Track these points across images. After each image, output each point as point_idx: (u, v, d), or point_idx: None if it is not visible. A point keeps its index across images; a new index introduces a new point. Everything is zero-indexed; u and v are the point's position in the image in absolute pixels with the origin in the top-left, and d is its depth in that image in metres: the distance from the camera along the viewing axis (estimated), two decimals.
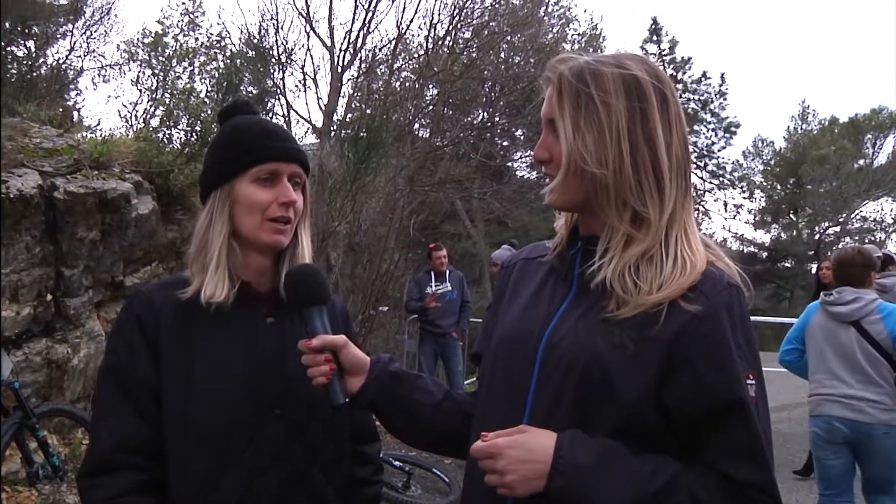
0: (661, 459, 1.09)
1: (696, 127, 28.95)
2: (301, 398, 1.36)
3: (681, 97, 30.61)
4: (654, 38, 29.32)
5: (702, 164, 29.53)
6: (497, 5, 12.41)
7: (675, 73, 29.09)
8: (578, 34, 18.17)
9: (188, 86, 6.76)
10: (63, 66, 12.15)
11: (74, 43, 12.19)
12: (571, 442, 1.09)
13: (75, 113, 9.58)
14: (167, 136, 6.24)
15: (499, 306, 1.35)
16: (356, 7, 12.08)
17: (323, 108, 12.57)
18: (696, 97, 29.18)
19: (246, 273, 1.42)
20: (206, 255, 1.38)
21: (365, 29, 12.17)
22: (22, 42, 11.84)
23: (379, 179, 9.66)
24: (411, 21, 12.26)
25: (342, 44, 12.39)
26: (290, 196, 1.38)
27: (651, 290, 1.10)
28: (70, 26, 12.37)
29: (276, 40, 12.15)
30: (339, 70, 12.23)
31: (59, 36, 12.35)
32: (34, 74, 11.05)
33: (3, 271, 4.43)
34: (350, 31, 12.26)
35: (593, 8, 41.18)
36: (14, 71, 11.55)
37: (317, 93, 12.91)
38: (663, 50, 29.19)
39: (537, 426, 1.13)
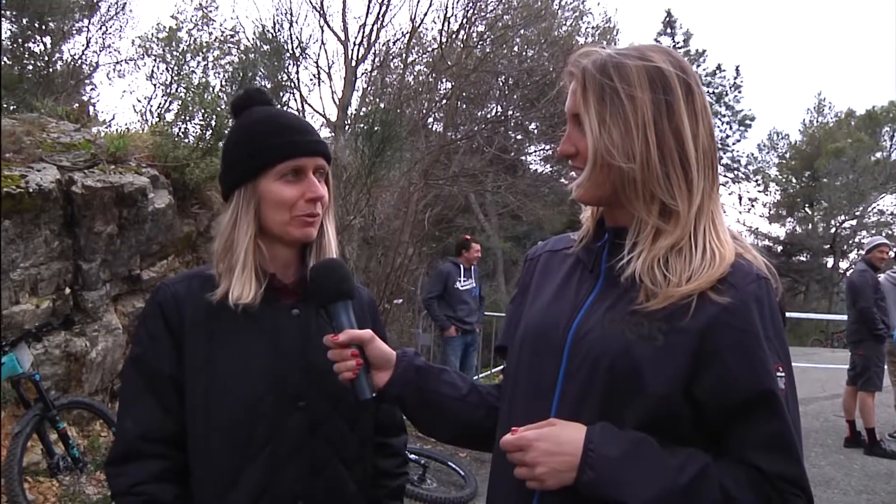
0: (691, 452, 1.08)
1: None
2: (325, 391, 1.35)
3: None
4: (669, 30, 29.18)
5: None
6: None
7: None
8: (592, 27, 18.07)
9: (203, 80, 6.77)
10: (79, 62, 12.21)
11: (90, 38, 12.24)
12: (601, 434, 1.08)
13: (91, 108, 9.64)
14: (182, 130, 6.26)
15: (524, 299, 1.34)
16: (370, 1, 12.09)
17: (337, 101, 12.59)
18: (711, 90, 29.01)
19: (272, 265, 1.41)
20: (232, 255, 1.37)
21: (379, 23, 12.18)
22: (39, 38, 11.93)
23: (393, 173, 9.66)
24: (425, 15, 12.25)
25: (356, 37, 12.41)
26: (318, 191, 1.38)
27: (680, 281, 1.09)
28: (86, 22, 12.43)
29: (291, 34, 12.16)
30: (353, 64, 12.24)
31: (74, 32, 12.43)
32: (50, 70, 11.13)
33: (22, 265, 4.47)
34: (364, 24, 12.27)
35: (607, 1, 40.96)
36: (31, 67, 11.64)
37: (331, 86, 12.96)
38: (677, 42, 29.03)
39: (565, 419, 1.12)
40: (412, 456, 5.37)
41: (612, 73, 1.12)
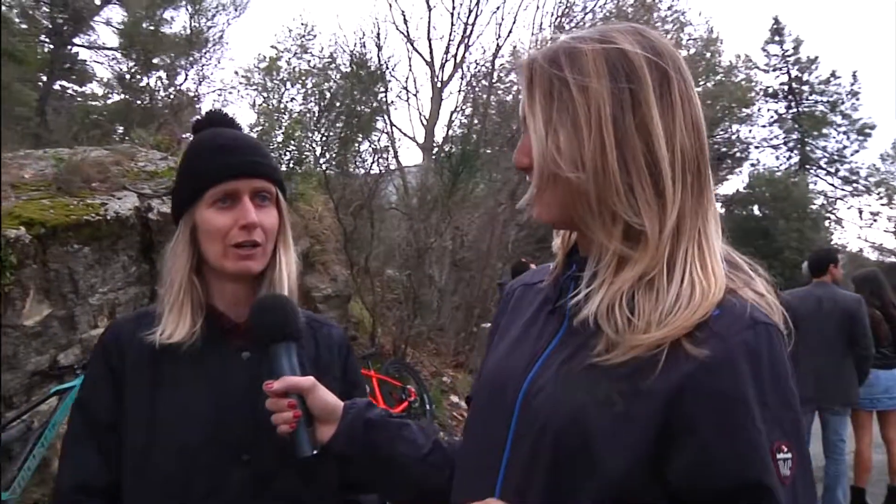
0: None
1: (824, 130, 27.04)
2: (273, 442, 1.18)
3: (806, 99, 28.54)
4: (776, 38, 27.73)
5: (832, 170, 27.50)
6: (608, 14, 12.05)
7: (799, 75, 27.38)
8: (693, 38, 17.42)
9: (281, 105, 6.89)
10: (177, 94, 12.81)
11: (188, 71, 12.85)
12: None
13: (184, 136, 10.05)
14: None
15: (491, 341, 1.13)
16: (453, 23, 12.08)
17: (424, 123, 12.62)
18: (825, 99, 27.27)
19: (221, 303, 1.29)
20: (169, 291, 1.26)
21: (465, 43, 12.14)
22: (146, 73, 12.65)
23: (478, 194, 9.52)
24: (509, 33, 12.12)
25: (442, 59, 12.42)
26: (250, 218, 1.23)
27: (648, 326, 0.83)
28: (192, 57, 13.05)
29: (379, 58, 12.32)
30: (439, 85, 12.25)
31: (180, 68, 13.08)
32: (153, 103, 11.72)
33: (101, 290, 4.61)
34: (448, 45, 12.27)
35: (709, 11, 39.50)
36: (138, 101, 12.34)
37: (418, 108, 12.99)
38: (787, 50, 27.57)
39: (509, 497, 0.90)
40: None
41: (562, 62, 0.89)
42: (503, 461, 0.93)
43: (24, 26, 13.18)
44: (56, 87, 13.63)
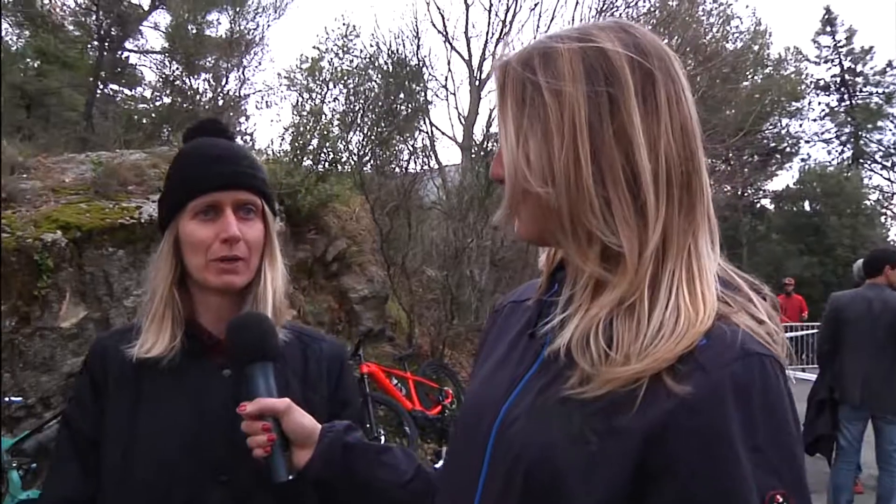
0: None
1: (879, 123, 26.13)
2: (251, 464, 1.13)
3: (860, 91, 27.70)
4: (828, 28, 26.91)
5: (888, 164, 26.55)
6: (651, 9, 11.81)
7: (853, 66, 26.51)
8: (740, 31, 16.96)
9: (316, 107, 6.90)
10: (224, 95, 13.00)
11: (228, 74, 13.02)
12: None
13: None
14: (295, 157, 6.38)
15: (476, 362, 1.06)
16: (490, 20, 11.98)
17: (463, 122, 12.55)
18: (880, 90, 26.35)
19: (204, 318, 1.25)
20: (151, 303, 1.23)
21: (503, 40, 12.02)
22: (190, 75, 12.86)
23: None
24: (548, 29, 11.94)
25: (480, 56, 12.33)
26: (231, 231, 1.18)
27: (626, 359, 0.75)
28: (237, 60, 13.21)
29: (417, 56, 12.30)
30: (478, 84, 12.16)
31: (223, 71, 13.27)
32: (195, 106, 11.91)
33: (135, 292, 4.66)
34: (486, 42, 12.17)
35: (756, 2, 38.52)
36: (183, 104, 12.55)
37: (457, 107, 12.94)
38: (839, 41, 26.73)
39: None
40: None
41: (535, 65, 0.81)
42: (478, 490, 0.86)
43: (76, 33, 13.56)
44: (108, 91, 14.01)
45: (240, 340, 1.14)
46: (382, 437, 5.77)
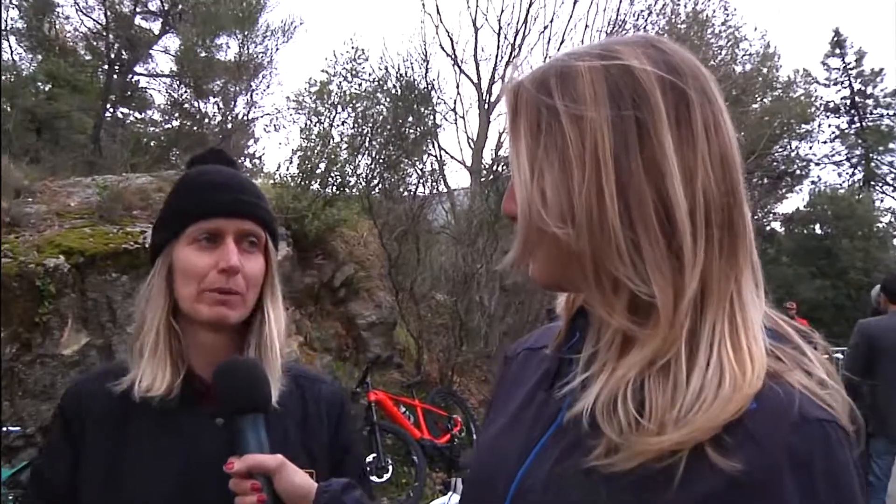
0: None
1: (891, 145, 26.01)
2: None
3: (870, 113, 27.77)
4: (837, 50, 26.89)
5: None
6: (660, 32, 11.80)
7: (863, 88, 26.44)
8: (749, 54, 16.92)
9: (324, 130, 6.85)
10: (232, 118, 13.03)
11: (236, 97, 13.06)
12: None
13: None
14: (302, 181, 6.31)
15: (487, 413, 0.95)
16: (499, 43, 11.97)
17: (472, 145, 12.49)
18: (891, 112, 26.25)
19: (196, 359, 1.14)
20: (143, 336, 1.12)
21: (512, 63, 12.00)
22: (198, 99, 12.91)
23: None
24: (558, 52, 11.93)
25: (489, 80, 12.30)
26: (232, 261, 1.09)
27: (661, 427, 0.64)
28: (245, 83, 13.25)
29: (426, 80, 12.29)
30: (487, 107, 12.12)
31: (232, 94, 13.30)
32: (202, 129, 11.93)
33: None
34: (495, 66, 12.14)
35: (766, 25, 38.62)
36: (193, 127, 12.58)
37: (466, 131, 12.89)
38: (848, 63, 26.68)
39: None
40: None
41: (552, 87, 0.70)
42: None
43: (87, 57, 13.66)
44: (118, 114, 14.09)
45: (228, 389, 1.04)
46: (390, 467, 5.65)
